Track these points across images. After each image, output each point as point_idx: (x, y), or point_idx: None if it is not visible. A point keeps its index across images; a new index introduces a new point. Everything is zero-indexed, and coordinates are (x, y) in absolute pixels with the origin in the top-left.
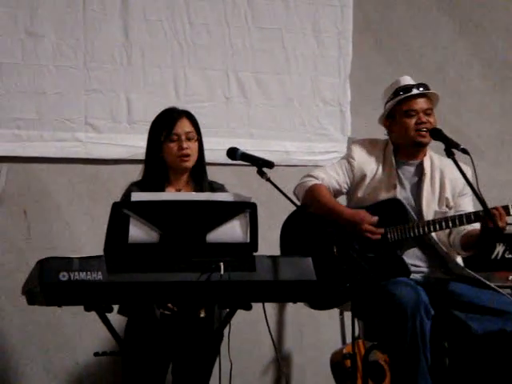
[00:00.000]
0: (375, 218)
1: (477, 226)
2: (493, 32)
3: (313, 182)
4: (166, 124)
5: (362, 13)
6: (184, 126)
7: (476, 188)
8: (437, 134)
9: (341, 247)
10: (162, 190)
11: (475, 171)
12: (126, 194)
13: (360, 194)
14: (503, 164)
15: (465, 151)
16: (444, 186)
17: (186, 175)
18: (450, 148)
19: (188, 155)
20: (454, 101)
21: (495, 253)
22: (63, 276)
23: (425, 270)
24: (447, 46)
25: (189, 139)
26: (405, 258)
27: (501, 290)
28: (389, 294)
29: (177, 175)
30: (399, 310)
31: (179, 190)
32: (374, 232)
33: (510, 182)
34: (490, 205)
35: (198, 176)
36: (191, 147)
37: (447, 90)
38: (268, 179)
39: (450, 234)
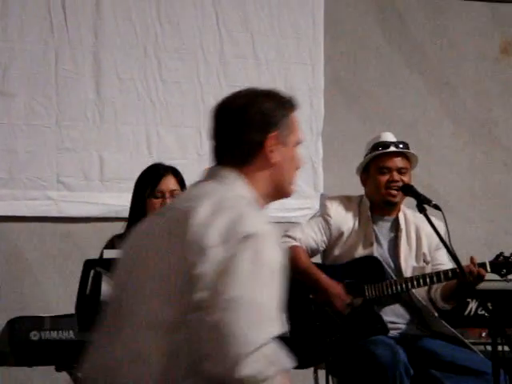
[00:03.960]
0: (347, 299)
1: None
2: (462, 90)
3: (290, 243)
4: (151, 180)
5: (333, 71)
6: (169, 184)
7: (448, 243)
8: (408, 190)
9: (317, 304)
10: None
11: (447, 227)
12: (107, 245)
13: (337, 251)
14: (474, 220)
15: (436, 207)
16: (420, 242)
17: None
18: (422, 204)
19: None
20: (425, 157)
21: (468, 309)
22: (34, 335)
23: (402, 326)
24: (418, 103)
25: (173, 196)
26: (382, 314)
27: (475, 349)
28: (368, 354)
29: None
30: (379, 370)
31: None
32: (343, 310)
33: (480, 237)
34: (461, 260)
35: None
36: None
37: (418, 147)
38: None
39: (429, 288)
